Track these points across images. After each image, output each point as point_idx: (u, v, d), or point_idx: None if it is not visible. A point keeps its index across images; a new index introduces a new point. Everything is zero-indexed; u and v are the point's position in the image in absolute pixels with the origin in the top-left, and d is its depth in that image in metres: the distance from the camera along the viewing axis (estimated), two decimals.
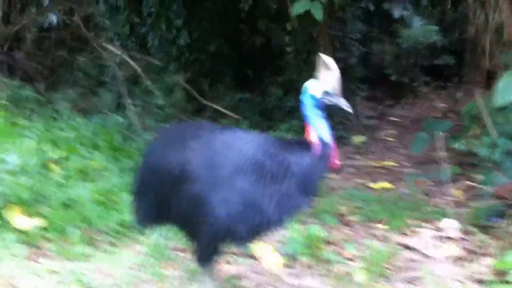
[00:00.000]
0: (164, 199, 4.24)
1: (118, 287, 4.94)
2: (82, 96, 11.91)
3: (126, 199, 6.32)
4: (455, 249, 5.87)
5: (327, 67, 3.96)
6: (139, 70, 10.75)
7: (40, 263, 5.30)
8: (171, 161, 4.14)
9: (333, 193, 7.63)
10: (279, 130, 9.83)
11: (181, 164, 4.07)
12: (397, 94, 15.39)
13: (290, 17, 8.96)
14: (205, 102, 10.35)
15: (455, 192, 7.62)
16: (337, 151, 4.07)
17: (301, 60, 10.85)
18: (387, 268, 5.43)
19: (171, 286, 4.98)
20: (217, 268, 5.18)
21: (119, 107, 10.87)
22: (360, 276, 5.16)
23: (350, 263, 5.57)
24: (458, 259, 5.71)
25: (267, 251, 5.62)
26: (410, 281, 5.27)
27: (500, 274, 5.18)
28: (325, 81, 3.97)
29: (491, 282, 4.99)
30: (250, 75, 12.00)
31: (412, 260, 5.72)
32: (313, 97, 3.99)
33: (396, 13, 15.22)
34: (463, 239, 6.20)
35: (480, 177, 7.55)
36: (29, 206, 6.15)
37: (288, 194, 3.97)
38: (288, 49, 11.98)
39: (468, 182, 7.93)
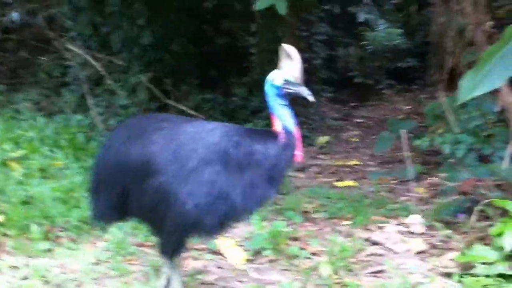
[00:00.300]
0: (125, 193, 4.17)
1: (81, 283, 4.88)
2: (44, 96, 11.83)
3: (87, 196, 6.30)
4: (419, 244, 5.88)
5: (289, 56, 3.94)
6: (101, 70, 10.66)
7: (1, 259, 5.21)
8: (133, 154, 4.08)
9: (297, 191, 7.62)
10: None
11: (144, 157, 4.00)
12: (361, 96, 15.50)
13: (255, 15, 8.94)
14: (168, 101, 10.30)
15: (419, 189, 7.65)
16: (301, 141, 4.02)
17: (265, 60, 10.85)
18: (353, 263, 5.41)
19: (135, 280, 4.91)
20: (182, 263, 5.16)
21: (82, 107, 10.79)
22: (325, 270, 5.12)
23: (315, 258, 5.54)
24: (422, 254, 5.73)
25: (231, 246, 5.59)
26: (375, 275, 5.26)
27: (467, 267, 5.17)
28: (287, 70, 3.94)
29: (459, 275, 4.98)
30: (214, 75, 11.93)
31: (377, 255, 5.72)
32: (274, 86, 3.96)
33: (361, 16, 15.29)
34: (427, 234, 6.22)
35: (443, 175, 7.61)
36: None
37: (254, 183, 3.93)
38: (253, 49, 11.99)
39: (432, 180, 8.00)
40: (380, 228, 6.36)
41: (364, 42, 15.65)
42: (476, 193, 6.41)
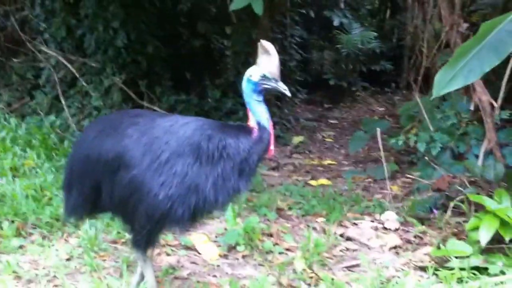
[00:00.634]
0: (97, 187, 4.15)
1: (53, 278, 4.84)
2: (17, 98, 11.73)
3: (59, 194, 6.32)
4: (394, 239, 5.91)
5: (266, 52, 3.93)
6: (74, 71, 10.59)
7: None
8: (106, 147, 4.07)
9: (271, 189, 7.59)
10: None
11: (117, 150, 4.00)
12: (335, 98, 15.55)
13: (231, 17, 8.92)
14: (142, 103, 10.24)
15: (393, 187, 7.66)
16: (274, 136, 4.05)
17: (239, 63, 10.84)
18: (327, 258, 5.42)
19: (108, 276, 4.87)
20: (155, 258, 5.12)
21: (55, 109, 10.72)
22: (299, 265, 5.11)
23: (289, 253, 5.55)
24: (397, 249, 5.74)
25: (205, 242, 5.57)
26: (350, 269, 5.27)
27: (442, 261, 5.20)
28: (264, 66, 3.93)
29: (434, 269, 4.98)
30: (188, 77, 11.90)
31: (352, 250, 5.74)
32: (251, 81, 3.97)
33: (336, 20, 15.33)
34: (402, 230, 6.27)
35: (416, 173, 7.63)
36: None
37: (224, 175, 3.94)
38: (227, 51, 11.98)
39: (405, 178, 8.02)
40: (354, 224, 6.38)
41: (338, 45, 15.67)
42: (450, 190, 6.44)
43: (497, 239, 5.13)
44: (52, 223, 5.85)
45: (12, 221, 5.77)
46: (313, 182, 8.19)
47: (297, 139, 10.89)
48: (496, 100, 6.60)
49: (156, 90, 10.75)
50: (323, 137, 11.74)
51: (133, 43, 10.38)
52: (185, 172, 3.86)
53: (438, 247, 5.38)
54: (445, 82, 4.94)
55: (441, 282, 4.80)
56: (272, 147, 4.01)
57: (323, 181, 8.27)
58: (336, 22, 15.35)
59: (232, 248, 5.56)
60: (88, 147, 4.22)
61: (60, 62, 10.98)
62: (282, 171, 8.95)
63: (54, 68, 11.06)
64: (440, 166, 7.25)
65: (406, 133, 8.32)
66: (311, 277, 4.99)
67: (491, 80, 7.69)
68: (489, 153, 6.85)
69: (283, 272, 5.06)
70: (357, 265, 5.32)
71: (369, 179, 8.39)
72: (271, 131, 4.00)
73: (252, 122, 3.99)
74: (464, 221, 5.79)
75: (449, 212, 5.92)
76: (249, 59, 10.90)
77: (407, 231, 6.20)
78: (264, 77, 3.92)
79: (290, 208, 6.89)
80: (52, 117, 10.15)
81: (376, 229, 6.24)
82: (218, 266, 5.25)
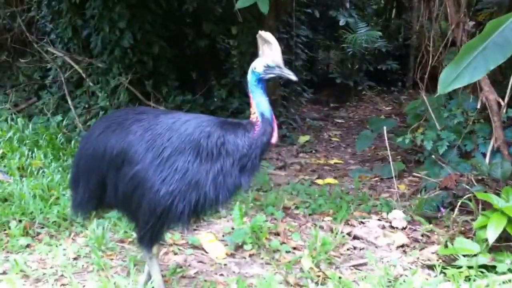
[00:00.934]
0: (102, 182, 4.20)
1: (60, 277, 4.84)
2: (24, 98, 11.79)
3: (67, 194, 6.35)
4: (401, 238, 5.89)
5: (266, 42, 3.95)
6: (81, 71, 10.62)
7: None
8: (111, 143, 4.11)
9: (278, 188, 7.58)
10: None
11: (121, 145, 4.05)
12: (342, 97, 15.56)
13: (236, 17, 8.92)
14: (148, 103, 10.26)
15: (400, 186, 7.65)
16: (277, 128, 4.06)
17: (245, 62, 10.83)
18: (334, 256, 5.41)
19: (115, 275, 4.87)
20: (163, 257, 5.12)
21: (62, 109, 10.77)
22: (306, 263, 5.10)
23: (296, 252, 5.54)
24: (404, 247, 5.73)
25: (212, 241, 5.57)
26: (357, 267, 5.25)
27: (449, 260, 5.21)
28: (266, 55, 3.97)
29: (442, 267, 4.97)
30: (194, 77, 11.93)
31: (359, 249, 5.73)
32: (255, 73, 4.00)
33: (342, 20, 15.31)
34: (409, 229, 6.25)
35: (423, 172, 7.61)
36: None
37: (225, 172, 3.98)
38: (233, 51, 11.98)
39: (412, 177, 8.01)
40: (361, 223, 6.36)
41: (344, 45, 15.67)
42: (458, 188, 6.42)
43: (504, 237, 5.13)
44: (59, 222, 5.88)
45: (20, 221, 5.80)
46: (319, 181, 8.18)
47: (303, 139, 10.90)
48: (503, 98, 6.59)
49: (162, 90, 10.79)
50: (330, 137, 11.74)
51: (139, 43, 10.41)
52: (185, 168, 3.91)
53: (446, 246, 5.37)
54: (451, 79, 4.94)
55: (448, 281, 4.79)
56: (274, 139, 4.03)
57: (330, 180, 8.26)
58: (341, 22, 15.34)
59: (239, 247, 5.56)
60: (94, 143, 4.28)
61: (67, 63, 11.08)
62: (288, 170, 8.95)
63: (60, 68, 11.15)
64: (447, 164, 7.23)
65: (413, 132, 8.30)
66: (318, 276, 4.97)
67: (498, 79, 7.69)
68: (496, 151, 6.84)
69: (290, 270, 5.05)
70: (365, 264, 5.31)
71: (376, 178, 8.39)
72: (274, 122, 4.02)
73: (255, 114, 4.00)
74: (472, 220, 5.77)
75: (456, 211, 5.89)
76: (254, 58, 10.88)
77: (415, 230, 6.19)
78: (268, 66, 3.96)
79: (297, 207, 6.88)
80: (59, 117, 10.21)
81: (383, 227, 6.23)
82: (225, 265, 5.24)
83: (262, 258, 5.37)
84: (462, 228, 5.82)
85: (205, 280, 4.84)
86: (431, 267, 5.14)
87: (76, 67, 10.75)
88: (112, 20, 10.19)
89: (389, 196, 7.38)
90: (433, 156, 7.55)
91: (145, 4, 10.28)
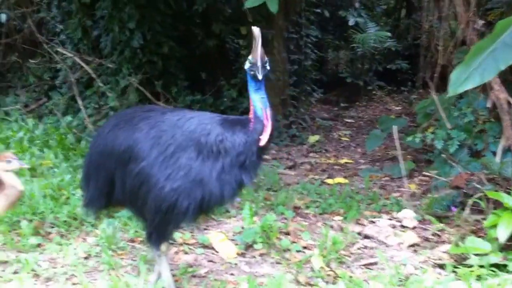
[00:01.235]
0: (112, 180, 4.25)
1: (71, 276, 4.85)
2: (34, 99, 11.85)
3: (77, 194, 6.39)
4: (412, 237, 5.86)
5: (254, 38, 3.93)
6: (91, 72, 10.66)
7: None
8: (119, 140, 4.17)
9: (288, 187, 7.58)
10: None
11: (128, 142, 4.11)
12: (351, 97, 15.55)
13: (246, 16, 8.94)
14: (158, 103, 10.28)
15: (411, 185, 7.63)
16: (271, 125, 3.98)
17: None
18: (345, 255, 5.39)
19: (126, 274, 4.88)
20: (172, 254, 5.13)
21: (72, 109, 10.82)
22: (316, 263, 5.09)
23: (306, 251, 5.52)
24: (415, 246, 5.71)
25: (222, 240, 5.57)
26: (368, 267, 5.23)
27: (460, 259, 5.19)
28: (252, 52, 3.94)
29: (453, 266, 4.95)
30: (204, 77, 11.94)
31: (370, 248, 5.70)
32: (246, 70, 4.01)
33: (351, 20, 15.30)
34: (420, 228, 6.22)
35: (434, 171, 7.59)
36: None
37: (227, 169, 3.99)
38: (242, 51, 11.99)
39: (422, 176, 7.98)
40: (372, 222, 6.34)
41: (354, 45, 15.66)
42: (468, 187, 6.40)
43: None
44: (70, 222, 5.89)
45: (30, 220, 5.82)
46: (329, 181, 8.17)
47: (313, 138, 10.90)
48: None
49: (172, 90, 10.83)
50: (340, 136, 11.73)
51: (149, 43, 10.46)
52: (189, 166, 3.94)
53: (457, 245, 5.34)
54: (461, 80, 4.93)
55: (460, 280, 4.76)
56: (265, 136, 3.96)
57: (340, 179, 8.24)
58: (351, 22, 15.34)
59: (249, 246, 5.54)
60: (103, 140, 4.35)
61: (77, 63, 11.14)
62: (298, 170, 8.94)
63: (70, 69, 11.21)
64: (457, 163, 7.22)
65: (423, 131, 8.27)
66: (329, 275, 4.96)
67: (509, 79, 7.67)
68: (506, 150, 6.84)
69: (301, 270, 5.04)
70: (375, 263, 5.28)
71: (386, 178, 8.37)
72: (266, 120, 3.95)
73: (251, 112, 3.99)
74: (483, 219, 5.74)
75: (467, 210, 5.86)
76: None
77: (425, 229, 6.16)
78: (251, 63, 3.93)
79: (307, 207, 6.86)
80: (69, 118, 10.30)
81: (393, 227, 6.20)
82: (235, 264, 5.23)
83: (273, 258, 5.36)
84: (473, 227, 5.79)
85: (216, 280, 4.83)
86: (442, 266, 5.12)
87: (86, 67, 10.78)
88: (122, 21, 10.24)
89: (400, 195, 7.36)
90: (443, 155, 7.54)
91: (154, 4, 10.32)
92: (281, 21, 11.20)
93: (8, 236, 5.50)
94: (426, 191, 7.33)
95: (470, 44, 7.41)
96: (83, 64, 10.91)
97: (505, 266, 4.90)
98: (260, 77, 3.89)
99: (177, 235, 5.56)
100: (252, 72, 3.93)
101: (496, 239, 5.03)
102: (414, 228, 6.20)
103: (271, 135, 3.99)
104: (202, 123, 4.03)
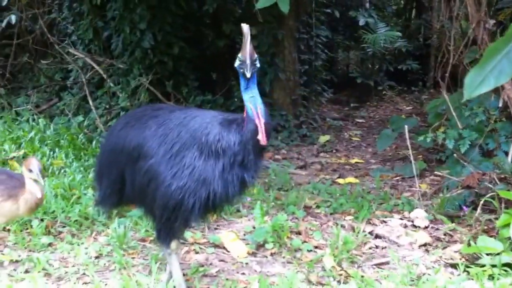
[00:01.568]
0: (123, 177, 4.29)
1: (82, 276, 4.87)
2: (45, 99, 11.90)
3: (88, 193, 6.43)
4: (424, 237, 5.83)
5: (243, 36, 3.91)
6: (102, 72, 10.70)
7: (2, 253, 5.19)
8: (129, 138, 4.21)
9: (299, 187, 7.57)
10: None
11: (138, 140, 4.15)
12: (362, 97, 15.54)
13: (257, 17, 8.93)
14: (168, 103, 10.29)
15: (422, 185, 7.60)
16: (264, 124, 3.90)
17: (265, 63, 10.80)
18: (356, 255, 5.37)
19: (137, 273, 4.87)
20: (181, 250, 5.13)
21: (83, 110, 10.87)
22: (328, 262, 5.07)
23: (318, 250, 5.51)
24: (427, 246, 5.68)
25: (233, 239, 5.56)
26: (379, 266, 5.22)
27: (472, 258, 5.17)
28: (242, 50, 3.92)
29: (465, 266, 4.93)
30: (214, 77, 11.96)
31: (381, 247, 5.68)
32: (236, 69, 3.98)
33: (362, 20, 15.28)
34: (431, 227, 6.20)
35: (445, 171, 7.55)
36: None
37: (227, 168, 3.99)
38: None
39: (434, 176, 7.96)
40: (383, 222, 6.33)
41: (364, 45, 15.64)
42: (480, 187, 6.38)
43: None
44: (81, 221, 5.91)
45: (42, 220, 5.84)
46: (340, 181, 8.15)
47: (323, 138, 10.89)
48: None
49: (182, 90, 10.84)
50: (350, 136, 11.72)
51: (160, 44, 10.48)
52: (193, 164, 3.96)
53: (469, 244, 5.33)
54: (476, 84, 4.87)
55: (472, 279, 4.74)
56: (261, 136, 3.90)
57: (351, 179, 8.22)
58: (361, 22, 15.30)
59: (260, 246, 5.54)
60: (115, 138, 4.40)
61: (88, 64, 11.19)
62: (309, 170, 8.93)
63: (81, 69, 11.26)
64: (469, 163, 7.19)
65: (434, 131, 8.24)
66: (341, 275, 4.95)
67: None
68: None
69: (312, 269, 5.03)
70: (387, 263, 5.27)
71: (397, 177, 8.34)
72: (257, 119, 3.88)
73: (244, 112, 3.97)
74: (495, 218, 5.71)
75: (479, 209, 5.84)
76: (275, 59, 10.93)
77: (437, 229, 6.14)
78: (240, 61, 3.90)
79: (318, 206, 6.85)
80: (80, 118, 10.36)
81: (405, 226, 6.19)
82: (246, 263, 5.22)
83: (284, 257, 5.35)
84: (485, 227, 5.75)
85: (227, 279, 4.82)
86: (454, 266, 5.10)
87: (97, 68, 10.83)
88: (132, 22, 10.26)
89: (411, 195, 7.33)
90: (455, 155, 7.51)
91: (165, 5, 10.34)
92: (291, 22, 11.22)
93: (19, 236, 5.52)
94: (437, 190, 7.29)
95: (481, 44, 7.37)
96: (94, 65, 10.96)
97: None
98: (248, 75, 3.84)
99: (188, 235, 5.58)
100: (241, 70, 3.89)
101: (508, 238, 5.03)
102: (425, 227, 6.17)
103: (267, 133, 3.93)
104: (204, 122, 4.03)
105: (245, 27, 3.89)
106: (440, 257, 5.36)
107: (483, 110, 7.79)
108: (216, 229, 6.00)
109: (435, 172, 7.83)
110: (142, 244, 5.51)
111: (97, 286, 4.54)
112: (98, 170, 4.61)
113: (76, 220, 5.90)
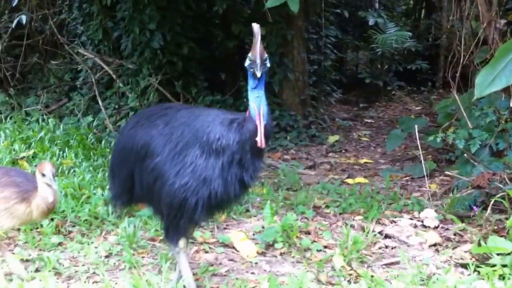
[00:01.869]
0: (132, 176, 4.34)
1: (92, 275, 4.89)
2: (55, 99, 11.94)
3: (97, 193, 6.46)
4: (434, 237, 5.82)
5: (254, 35, 3.91)
6: (111, 73, 10.72)
7: (14, 252, 5.18)
8: (138, 137, 4.26)
9: (308, 187, 7.57)
10: None
11: (145, 139, 4.19)
12: (371, 97, 15.50)
13: (266, 17, 8.93)
14: (178, 103, 10.31)
15: (431, 185, 7.59)
16: (263, 127, 3.89)
17: (274, 63, 10.80)
18: (366, 255, 5.36)
19: (147, 272, 4.88)
20: (191, 250, 5.13)
21: (92, 110, 10.90)
22: (338, 262, 5.06)
23: (327, 250, 5.51)
24: (437, 246, 5.67)
25: (243, 239, 5.56)
26: (389, 266, 5.21)
27: (483, 258, 5.15)
28: (252, 49, 3.91)
29: (476, 266, 4.91)
30: (223, 78, 11.98)
31: (391, 247, 5.67)
32: (246, 68, 3.97)
33: (371, 20, 15.25)
34: (441, 227, 6.18)
35: (455, 171, 7.53)
36: None
37: (226, 167, 4.00)
38: None
39: (444, 176, 7.95)
40: (393, 222, 6.31)
41: (373, 45, 15.61)
42: (490, 187, 6.36)
43: None
44: (90, 220, 5.93)
45: (52, 219, 5.83)
46: (350, 181, 8.15)
47: (333, 138, 10.89)
48: None
49: (191, 91, 10.86)
50: (359, 136, 11.70)
51: (169, 44, 10.51)
52: (194, 163, 3.98)
53: (479, 244, 5.30)
54: (487, 83, 4.88)
55: (482, 279, 4.73)
56: (259, 137, 3.89)
57: (360, 179, 8.22)
58: (371, 22, 15.28)
59: (270, 246, 5.54)
60: (125, 137, 4.47)
61: (97, 64, 11.22)
62: (318, 170, 8.94)
63: (91, 70, 11.31)
64: (479, 163, 7.15)
65: (444, 131, 8.21)
66: (350, 274, 4.94)
67: None
68: None
69: (322, 269, 5.02)
70: (397, 263, 5.26)
71: (407, 177, 8.33)
72: (258, 120, 3.88)
73: (248, 111, 3.97)
74: (505, 218, 5.68)
75: (489, 209, 5.82)
76: (284, 59, 10.93)
77: (447, 229, 6.12)
78: (250, 60, 3.90)
79: (327, 206, 6.85)
80: (89, 118, 10.40)
81: (415, 226, 6.17)
82: (256, 263, 5.22)
83: (293, 257, 5.35)
84: (495, 227, 5.72)
85: (237, 279, 4.82)
86: (464, 266, 5.08)
87: (107, 68, 10.86)
88: (142, 22, 10.29)
89: (421, 195, 7.32)
90: (465, 155, 7.48)
91: (175, 6, 10.37)
92: (301, 22, 11.22)
93: (30, 235, 5.55)
94: (447, 190, 7.29)
95: (492, 43, 7.35)
96: (103, 65, 10.99)
97: None
98: (258, 74, 3.84)
99: (198, 234, 5.59)
100: (251, 70, 3.88)
101: None
102: (435, 227, 6.16)
103: (266, 135, 3.93)
104: (206, 120, 4.06)
105: (255, 26, 3.88)
106: (450, 257, 5.35)
107: (493, 110, 7.76)
108: (225, 228, 6.01)
109: (445, 172, 7.81)
110: (151, 244, 5.52)
111: (107, 285, 4.55)
112: (111, 170, 4.67)
113: (86, 220, 5.93)
